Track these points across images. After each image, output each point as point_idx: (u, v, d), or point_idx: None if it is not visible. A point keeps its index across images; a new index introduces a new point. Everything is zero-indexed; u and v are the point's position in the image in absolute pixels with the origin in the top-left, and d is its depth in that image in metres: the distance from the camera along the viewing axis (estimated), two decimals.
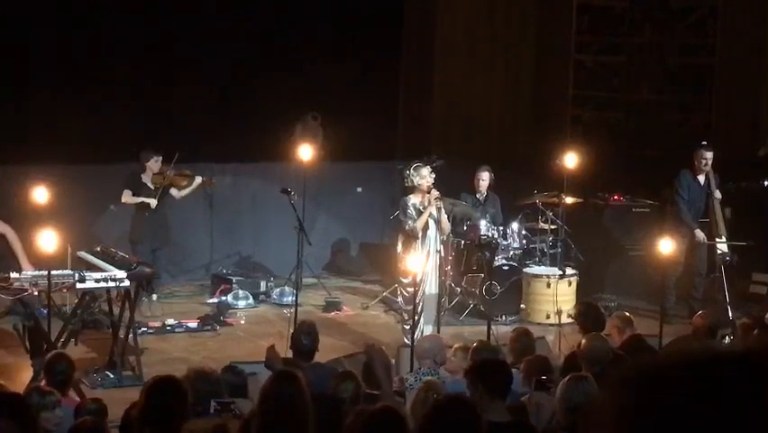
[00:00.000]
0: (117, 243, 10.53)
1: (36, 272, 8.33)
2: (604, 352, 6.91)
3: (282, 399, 4.69)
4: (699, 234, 11.40)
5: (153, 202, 11.11)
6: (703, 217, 11.53)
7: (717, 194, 11.45)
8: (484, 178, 12.06)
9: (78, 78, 12.44)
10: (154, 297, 11.55)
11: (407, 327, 9.70)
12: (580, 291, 11.56)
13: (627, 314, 8.27)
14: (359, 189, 13.80)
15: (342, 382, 5.96)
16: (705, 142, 11.58)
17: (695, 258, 11.56)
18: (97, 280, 8.66)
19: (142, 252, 10.99)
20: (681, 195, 11.48)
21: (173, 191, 11.48)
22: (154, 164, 11.31)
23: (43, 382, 7.37)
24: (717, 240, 11.33)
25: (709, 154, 11.39)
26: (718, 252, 11.33)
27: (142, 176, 11.33)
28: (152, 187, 11.28)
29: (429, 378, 6.73)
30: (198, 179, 11.61)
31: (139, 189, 11.26)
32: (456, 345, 7.69)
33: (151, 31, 12.97)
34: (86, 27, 12.72)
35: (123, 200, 11.23)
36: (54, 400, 5.64)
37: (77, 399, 6.74)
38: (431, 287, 9.87)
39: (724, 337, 8.52)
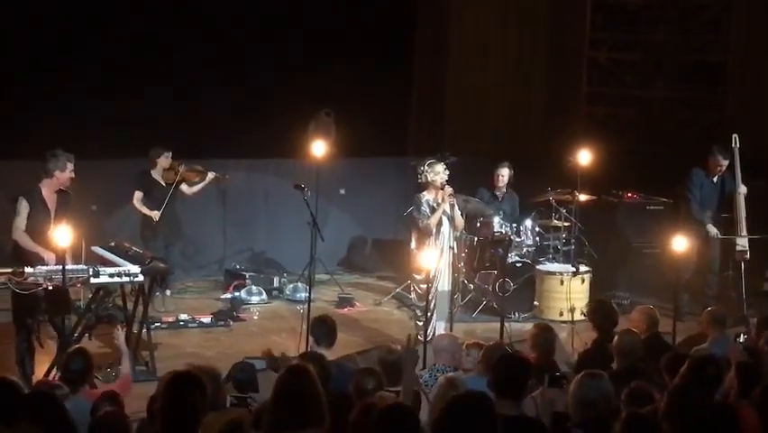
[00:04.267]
0: (131, 238, 10.55)
1: (51, 267, 8.35)
2: (635, 346, 6.92)
3: (294, 392, 4.71)
4: (713, 230, 11.35)
5: (156, 215, 11.08)
6: (723, 214, 11.48)
7: (743, 189, 11.34)
8: (504, 174, 11.99)
9: (92, 75, 12.48)
10: (168, 292, 11.57)
11: (420, 324, 9.72)
12: (594, 289, 11.55)
13: (655, 314, 8.17)
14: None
15: (365, 376, 6.00)
16: (721, 147, 11.45)
17: (708, 256, 11.52)
18: (111, 276, 8.67)
19: (156, 248, 10.98)
20: (692, 192, 11.43)
21: (184, 187, 11.46)
22: (164, 161, 11.30)
23: (52, 375, 7.40)
24: (738, 236, 11.27)
25: (726, 161, 11.33)
26: (738, 248, 11.29)
27: (152, 172, 11.31)
28: (164, 183, 11.27)
29: (450, 374, 6.72)
30: (211, 175, 11.59)
31: (150, 187, 11.24)
32: (468, 343, 7.67)
33: (164, 29, 13.00)
34: (99, 25, 12.76)
35: (134, 202, 11.21)
36: (64, 394, 5.64)
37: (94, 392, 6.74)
38: (444, 283, 9.87)
39: (738, 336, 8.50)
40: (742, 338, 8.41)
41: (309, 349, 7.52)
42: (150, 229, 11.16)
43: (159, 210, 11.06)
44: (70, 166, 8.79)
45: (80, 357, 6.51)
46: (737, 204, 11.34)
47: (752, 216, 11.47)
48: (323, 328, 7.46)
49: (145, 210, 11.13)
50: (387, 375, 6.50)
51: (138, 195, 11.20)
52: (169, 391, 4.73)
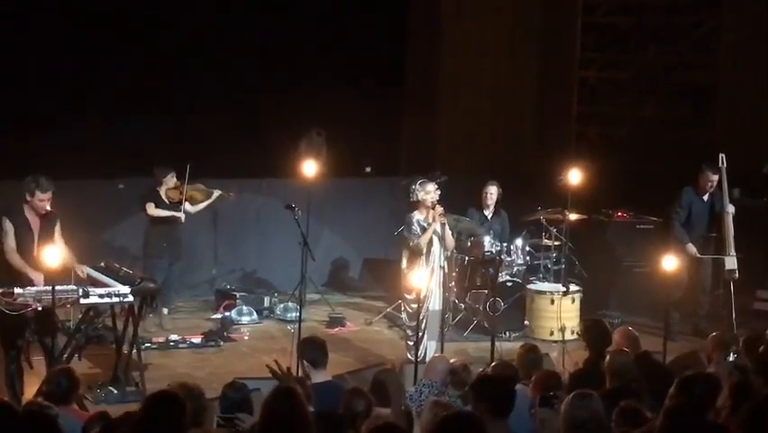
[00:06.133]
0: (122, 257, 10.53)
1: (40, 288, 8.31)
2: (628, 366, 6.92)
3: (282, 414, 4.70)
4: (692, 248, 11.35)
5: (182, 216, 11.16)
6: (714, 233, 11.49)
7: (730, 208, 11.36)
8: (492, 192, 12.03)
9: (86, 93, 12.47)
10: (165, 311, 11.55)
11: (411, 343, 9.71)
12: (584, 308, 11.54)
13: (634, 333, 8.20)
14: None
15: (354, 397, 5.98)
16: (710, 163, 11.48)
17: (699, 275, 11.53)
18: (101, 296, 8.62)
19: (161, 267, 11.00)
20: (677, 211, 11.45)
21: (186, 206, 11.47)
22: (170, 180, 11.34)
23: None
24: (726, 256, 11.27)
25: (716, 177, 11.35)
26: (727, 267, 11.29)
27: (158, 190, 11.35)
28: (168, 202, 11.30)
29: (435, 398, 6.71)
30: (216, 193, 11.63)
31: (158, 203, 11.28)
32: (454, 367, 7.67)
33: (154, 49, 13.01)
34: (93, 47, 12.77)
35: (149, 212, 11.22)
36: (53, 414, 5.62)
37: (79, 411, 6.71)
38: (435, 303, 9.86)
39: (729, 354, 8.48)
40: (731, 357, 8.39)
41: (302, 372, 7.42)
42: (154, 247, 11.19)
43: (181, 212, 11.11)
44: (39, 194, 8.69)
45: (65, 376, 6.48)
46: (725, 223, 11.35)
47: (740, 234, 11.48)
48: (316, 350, 7.31)
49: (167, 213, 11.17)
50: (376, 394, 6.48)
51: (151, 204, 11.22)
52: (147, 411, 4.74)
